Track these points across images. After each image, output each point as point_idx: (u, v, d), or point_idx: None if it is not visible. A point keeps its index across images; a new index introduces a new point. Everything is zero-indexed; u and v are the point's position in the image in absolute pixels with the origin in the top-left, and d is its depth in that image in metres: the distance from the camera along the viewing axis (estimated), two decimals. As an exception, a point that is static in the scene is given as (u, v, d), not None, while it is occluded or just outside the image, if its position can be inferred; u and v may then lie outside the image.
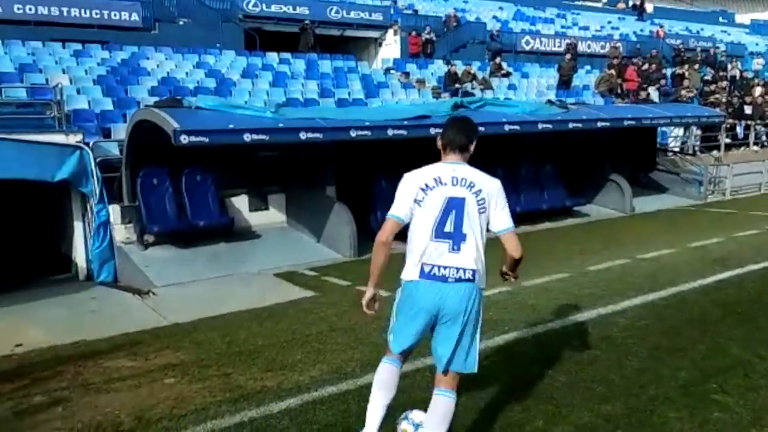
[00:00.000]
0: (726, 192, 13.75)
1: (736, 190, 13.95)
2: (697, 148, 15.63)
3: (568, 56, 19.16)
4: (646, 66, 20.04)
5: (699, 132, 15.97)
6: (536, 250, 8.56)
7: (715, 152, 15.68)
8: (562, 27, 27.81)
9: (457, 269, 3.01)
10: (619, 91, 18.39)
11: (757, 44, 34.20)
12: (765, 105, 18.56)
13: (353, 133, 7.99)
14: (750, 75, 22.87)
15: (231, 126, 7.43)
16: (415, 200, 3.10)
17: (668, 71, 20.93)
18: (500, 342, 5.02)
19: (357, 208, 8.86)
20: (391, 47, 20.21)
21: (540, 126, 9.73)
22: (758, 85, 20.14)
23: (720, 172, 14.06)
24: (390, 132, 8.28)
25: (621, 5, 36.73)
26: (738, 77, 21.66)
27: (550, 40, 23.68)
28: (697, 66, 21.44)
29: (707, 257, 7.79)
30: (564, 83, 18.50)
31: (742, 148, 17.11)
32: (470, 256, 3.02)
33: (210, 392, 4.22)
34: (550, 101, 11.96)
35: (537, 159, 11.50)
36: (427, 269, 3.07)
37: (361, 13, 20.02)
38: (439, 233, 3.03)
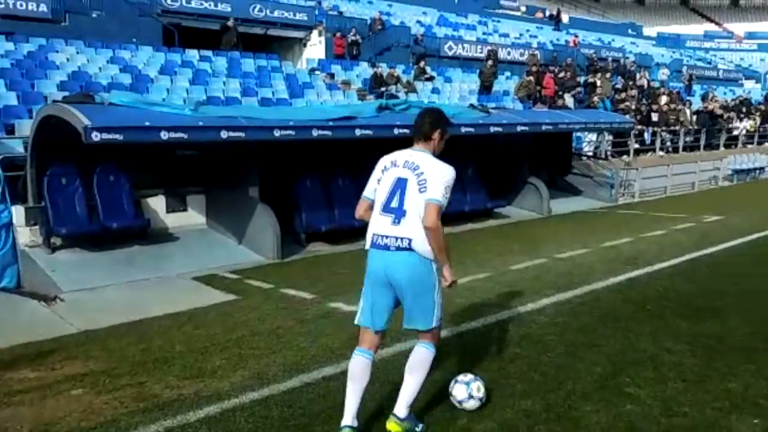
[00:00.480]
0: (635, 194, 14.50)
1: (644, 193, 14.74)
2: (609, 153, 16.38)
3: (489, 62, 19.66)
4: (562, 74, 20.85)
5: (611, 137, 16.77)
6: (459, 251, 8.70)
7: (625, 157, 16.51)
8: (484, 34, 28.57)
9: (396, 238, 3.38)
10: (537, 97, 19.04)
11: (662, 56, 36.41)
12: (670, 113, 19.73)
13: (277, 133, 7.83)
14: (656, 84, 24.26)
15: (147, 123, 7.10)
16: (377, 179, 3.55)
17: (582, 79, 21.88)
18: (424, 342, 5.03)
19: (281, 209, 8.70)
20: (315, 48, 20.09)
21: (463, 129, 9.89)
22: (664, 94, 21.40)
23: (629, 175, 14.82)
24: (315, 132, 8.18)
25: (539, 15, 38.17)
26: (646, 86, 22.93)
27: (472, 46, 24.26)
28: (608, 75, 22.53)
29: (619, 257, 8.15)
30: (485, 88, 18.97)
31: (649, 153, 18.11)
32: (408, 228, 3.35)
33: (122, 403, 3.99)
34: (472, 105, 12.19)
35: (459, 162, 11.63)
36: (375, 239, 3.47)
37: (285, 13, 19.78)
38: (386, 208, 3.43)
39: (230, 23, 17.13)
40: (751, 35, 56.11)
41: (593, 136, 16.62)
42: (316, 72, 17.21)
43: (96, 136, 6.58)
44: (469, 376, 3.84)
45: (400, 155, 3.52)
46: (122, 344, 5.12)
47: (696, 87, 28.47)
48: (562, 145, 14.21)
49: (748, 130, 22.55)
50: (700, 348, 4.82)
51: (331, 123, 8.40)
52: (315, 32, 20.23)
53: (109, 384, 4.30)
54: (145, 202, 8.86)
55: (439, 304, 3.48)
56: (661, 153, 18.42)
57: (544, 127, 11.47)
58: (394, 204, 3.40)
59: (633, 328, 5.32)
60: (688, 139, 19.63)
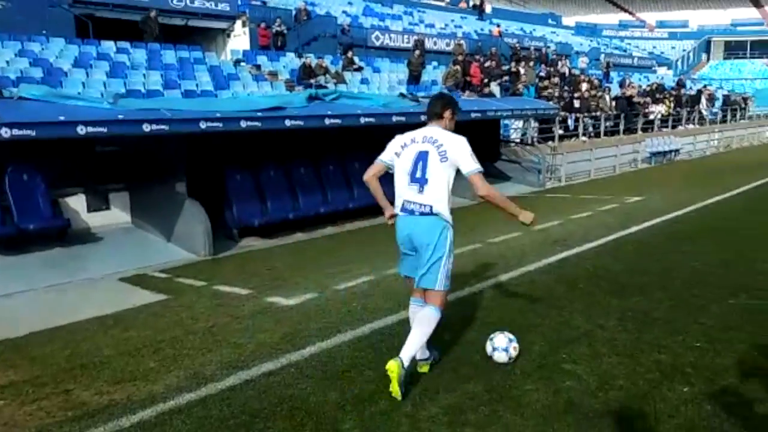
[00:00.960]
0: (561, 179, 14.96)
1: (570, 177, 15.22)
2: (535, 139, 16.82)
3: (416, 52, 19.76)
4: (487, 63, 21.22)
5: (536, 124, 17.22)
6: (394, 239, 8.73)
7: (550, 143, 17.00)
8: (410, 24, 28.70)
9: (420, 204, 3.89)
10: (464, 85, 19.30)
11: (581, 44, 37.71)
12: (591, 99, 20.45)
13: (203, 125, 7.55)
14: (577, 72, 25.09)
15: (62, 118, 6.69)
16: (396, 153, 4.03)
17: (507, 68, 22.35)
18: (366, 331, 4.99)
19: (211, 204, 8.43)
20: (240, 39, 19.57)
21: (394, 118, 9.88)
22: (584, 81, 22.15)
23: (555, 160, 15.27)
24: (243, 124, 7.95)
25: (463, 5, 38.70)
26: (567, 74, 23.67)
27: (399, 36, 24.32)
28: (532, 63, 23.11)
29: (549, 239, 8.36)
30: (414, 78, 19.06)
31: (573, 139, 18.72)
32: (430, 196, 3.86)
33: (48, 413, 3.75)
34: (402, 94, 12.21)
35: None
36: (404, 205, 3.98)
37: (206, 3, 19.11)
38: (413, 179, 3.92)
39: (152, 14, 16.44)
40: (662, 24, 59.08)
41: (520, 123, 17.02)
42: (242, 63, 16.77)
43: (6, 133, 6.16)
44: (513, 338, 4.32)
45: (418, 133, 4.01)
46: (46, 351, 4.81)
47: (613, 74, 29.67)
48: (491, 132, 14.47)
49: (662, 115, 23.71)
50: (629, 323, 5.00)
51: (259, 114, 8.19)
52: (238, 23, 19.69)
53: (33, 393, 4.03)
54: (63, 202, 8.40)
55: (447, 269, 3.95)
56: (584, 138, 19.08)
57: (473, 115, 11.60)
58: (418, 174, 3.89)
59: (567, 306, 5.46)
60: (608, 124, 20.42)
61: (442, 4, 38.11)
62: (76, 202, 8.58)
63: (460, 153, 3.86)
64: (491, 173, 14.03)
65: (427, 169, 3.86)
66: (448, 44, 25.11)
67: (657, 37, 54.68)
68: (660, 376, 4.02)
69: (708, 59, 55.41)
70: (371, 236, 9.15)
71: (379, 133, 11.38)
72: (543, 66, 24.41)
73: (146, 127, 7.11)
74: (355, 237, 9.15)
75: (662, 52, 49.10)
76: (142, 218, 8.92)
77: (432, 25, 29.31)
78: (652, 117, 23.06)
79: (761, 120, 31.58)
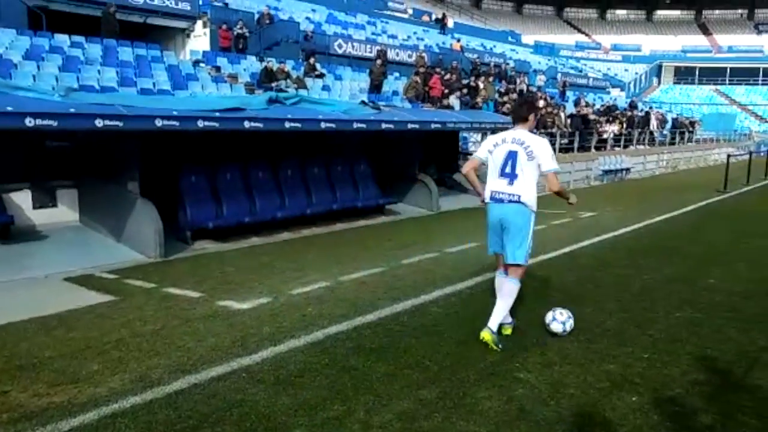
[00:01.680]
0: (517, 192, 15.16)
1: (525, 191, 15.44)
2: (492, 153, 17.02)
3: (378, 62, 19.83)
4: (448, 76, 21.45)
5: (494, 138, 17.42)
6: (353, 247, 8.69)
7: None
8: (373, 34, 28.83)
9: (509, 194, 4.69)
10: (424, 97, 19.44)
11: (539, 63, 38.58)
12: (547, 116, 20.88)
13: (159, 123, 7.34)
14: (534, 89, 25.61)
15: (9, 109, 6.40)
16: (489, 151, 4.82)
17: (466, 82, 22.64)
18: (320, 336, 4.92)
19: (164, 204, 8.21)
20: (200, 39, 19.29)
21: (355, 125, 9.85)
22: (541, 98, 22.61)
23: (512, 174, 15.46)
24: (200, 123, 7.77)
25: (425, 18, 39.16)
26: (525, 90, 24.13)
27: (362, 45, 24.37)
28: (491, 79, 23.48)
29: (505, 249, 8.44)
30: (375, 87, 19.11)
31: (529, 154, 19.02)
32: (518, 188, 4.67)
33: (-20, 416, 3.55)
34: (363, 102, 12.21)
35: (351, 158, 11.69)
36: (494, 194, 4.78)
37: (166, 1, 18.76)
38: (502, 173, 4.72)
39: (112, 9, 16.03)
40: (616, 47, 61.06)
41: (479, 137, 17.22)
42: (201, 64, 16.51)
43: (-53, 121, 5.86)
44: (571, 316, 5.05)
45: (507, 134, 4.80)
46: (-20, 352, 4.57)
47: (569, 93, 30.41)
48: (450, 144, 14.60)
49: (615, 134, 24.40)
50: (581, 333, 5.07)
51: (218, 114, 8.03)
52: (199, 23, 19.40)
53: (-36, 396, 3.81)
54: (7, 197, 8.06)
55: (529, 246, 4.81)
56: (540, 154, 19.42)
57: (433, 126, 11.68)
58: (508, 170, 4.68)
59: (521, 315, 5.50)
60: (563, 141, 20.87)
61: (405, 16, 38.48)
62: (21, 198, 8.24)
63: (543, 153, 4.67)
64: (449, 185, 14.17)
65: (516, 166, 4.67)
66: (410, 56, 25.30)
67: (611, 59, 56.42)
68: (610, 385, 4.09)
69: (659, 83, 57.47)
70: (328, 243, 9.08)
71: (339, 139, 11.49)
72: (502, 82, 24.84)
73: (99, 123, 6.87)
74: (312, 243, 9.05)
75: (616, 74, 50.67)
76: (90, 217, 8.63)
77: (395, 36, 29.51)
78: (605, 136, 23.70)
79: (707, 143, 32.87)
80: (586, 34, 67.01)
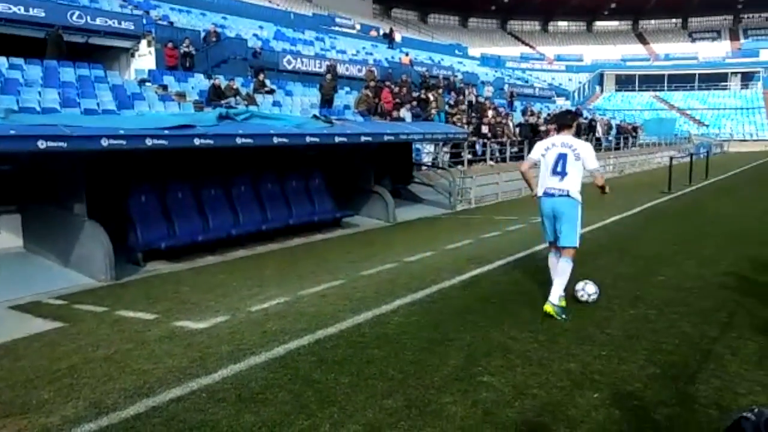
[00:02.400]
0: (471, 201, 15.37)
1: (479, 200, 15.66)
2: (446, 163, 17.23)
3: (328, 76, 19.85)
4: (398, 89, 21.63)
5: (447, 149, 17.65)
6: (311, 261, 8.61)
7: (460, 166, 17.46)
8: (322, 49, 28.88)
9: (560, 189, 5.63)
10: (376, 110, 19.53)
11: (486, 74, 39.32)
12: (497, 126, 21.27)
13: (105, 143, 7.12)
14: (483, 100, 26.05)
15: (-56, 132, 6.13)
16: (542, 154, 5.76)
17: (417, 94, 22.87)
18: (282, 352, 4.83)
19: (113, 226, 7.96)
20: (145, 58, 18.95)
21: (308, 139, 9.79)
22: (490, 108, 23.03)
23: (465, 183, 15.68)
24: (149, 142, 7.57)
25: (373, 33, 39.46)
26: (474, 102, 24.53)
27: (311, 60, 24.39)
28: (440, 91, 23.78)
29: (462, 257, 8.52)
30: (326, 102, 19.10)
31: (481, 163, 19.34)
32: (567, 184, 5.61)
33: None
34: (315, 116, 12.18)
35: (306, 172, 11.63)
36: (546, 190, 5.70)
37: (108, 21, 18.43)
38: (554, 172, 5.66)
39: (60, 31, 15.62)
40: (559, 58, 62.86)
41: (431, 148, 17.40)
42: (147, 83, 16.20)
43: None
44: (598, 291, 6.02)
45: (556, 139, 5.78)
46: None
47: (517, 103, 31.07)
48: (404, 155, 14.69)
49: (562, 141, 24.99)
50: (541, 334, 5.14)
51: (166, 132, 7.85)
52: (144, 42, 19.07)
53: None
54: (-56, 225, 7.68)
55: (578, 231, 5.73)
56: (491, 162, 19.76)
57: (386, 138, 11.72)
58: (559, 169, 5.62)
59: (481, 320, 5.54)
60: (513, 149, 21.27)
61: (353, 31, 38.74)
62: (-40, 226, 7.88)
63: (587, 155, 5.66)
64: (404, 196, 14.24)
65: (566, 166, 5.60)
66: (359, 70, 25.44)
67: (555, 69, 58.07)
68: (571, 383, 4.14)
69: (602, 91, 59.40)
70: (286, 258, 8.97)
71: (293, 154, 11.41)
72: (451, 94, 25.20)
73: (41, 144, 6.61)
74: (269, 259, 8.93)
75: (560, 84, 52.13)
76: (36, 242, 8.30)
77: (344, 52, 29.64)
78: (553, 143, 24.23)
79: (650, 148, 34.03)
80: (530, 46, 68.81)
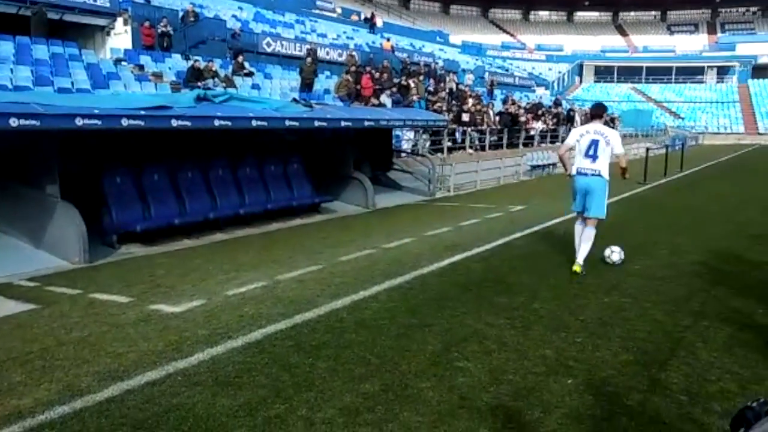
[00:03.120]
0: (450, 188, 15.41)
1: (458, 187, 15.72)
2: (426, 150, 17.23)
3: (309, 60, 19.66)
4: (379, 75, 21.52)
5: (427, 136, 17.65)
6: (289, 246, 8.57)
7: (440, 154, 17.48)
8: (302, 32, 28.56)
9: (592, 170, 6.69)
10: (356, 96, 19.42)
11: (467, 62, 39.30)
12: (477, 114, 21.30)
13: (79, 122, 6.98)
14: (464, 88, 26.05)
15: None
16: (577, 139, 6.78)
17: (397, 81, 22.78)
18: (259, 336, 4.81)
19: (87, 207, 7.83)
20: (121, 37, 18.55)
21: (287, 123, 9.71)
22: (470, 96, 23.04)
23: (445, 171, 15.71)
24: (124, 122, 7.44)
25: (354, 17, 39.13)
26: (455, 89, 24.51)
27: (291, 43, 24.12)
28: (421, 77, 23.71)
29: (441, 244, 8.55)
30: (306, 86, 18.94)
31: (461, 151, 19.38)
32: (599, 165, 6.66)
33: None
34: (295, 100, 12.07)
35: (285, 157, 11.54)
36: (580, 169, 6.77)
37: (84, -3, 17.97)
38: (587, 155, 6.71)
39: (44, 8, 15.24)
40: (540, 47, 63.06)
41: (411, 135, 17.37)
42: (123, 62, 15.88)
43: None
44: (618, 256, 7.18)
45: (589, 127, 6.84)
46: None
47: (497, 92, 31.14)
48: (384, 141, 14.65)
49: (542, 131, 25.17)
50: (517, 320, 5.19)
51: (143, 112, 7.72)
52: (120, 20, 18.66)
53: None
54: None
55: (605, 204, 6.86)
56: (471, 151, 19.81)
57: (366, 123, 11.67)
58: (591, 153, 6.68)
59: (458, 307, 5.58)
60: (493, 138, 21.35)
61: (334, 15, 38.33)
62: (-73, 205, 7.68)
63: (616, 141, 6.72)
64: (384, 183, 14.22)
65: (597, 150, 6.65)
66: (340, 54, 25.24)
67: (536, 59, 58.27)
68: (546, 369, 4.19)
69: (581, 81, 59.81)
70: (264, 243, 8.92)
71: (272, 138, 11.31)
72: (431, 81, 25.14)
73: (14, 122, 6.46)
74: (247, 243, 8.87)
75: (540, 74, 52.32)
76: (6, 223, 8.12)
77: (324, 35, 29.35)
78: (533, 132, 24.40)
79: (627, 139, 34.38)
80: (511, 35, 68.88)
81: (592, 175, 6.69)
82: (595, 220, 6.83)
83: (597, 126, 6.79)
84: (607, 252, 7.17)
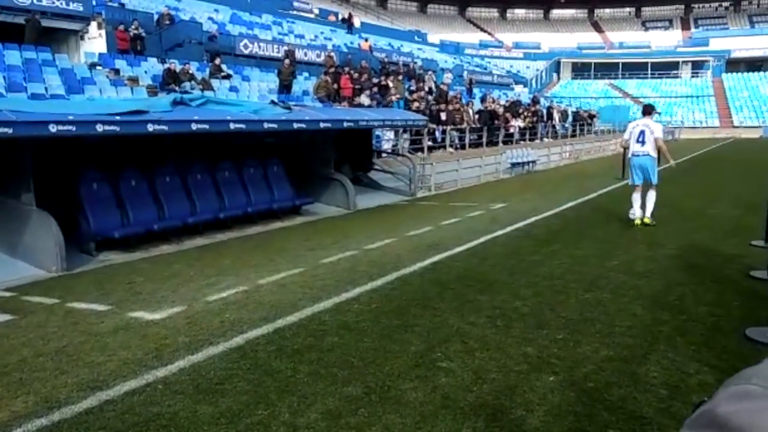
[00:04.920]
0: (431, 188, 15.43)
1: (439, 186, 15.74)
2: (406, 150, 17.24)
3: (287, 61, 19.59)
4: (357, 75, 21.50)
5: (407, 135, 17.66)
6: (270, 250, 8.53)
7: (420, 153, 17.50)
8: (279, 34, 28.45)
9: (643, 152, 9.31)
10: (335, 97, 19.39)
11: (446, 61, 39.41)
12: (455, 113, 21.37)
13: (53, 129, 6.87)
14: (443, 87, 26.11)
15: None
16: (630, 131, 9.54)
17: (377, 81, 22.77)
18: (240, 341, 4.78)
19: (63, 215, 7.71)
20: (96, 41, 18.28)
21: (266, 125, 9.65)
22: (449, 95, 23.09)
23: (425, 170, 15.72)
24: (99, 128, 7.34)
25: (331, 18, 39.05)
26: (434, 88, 24.56)
27: (269, 45, 23.99)
28: (400, 77, 23.74)
29: (422, 244, 8.56)
30: (285, 87, 18.86)
31: (441, 150, 19.43)
32: (647, 148, 9.25)
33: None
34: (273, 102, 12.01)
35: (264, 159, 11.48)
36: (634, 152, 9.43)
37: (56, 1, 17.65)
38: (637, 140, 9.33)
39: (37, 15, 15.02)
40: (517, 45, 63.45)
41: (392, 134, 17.37)
42: (98, 67, 15.68)
43: None
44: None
45: (640, 121, 9.49)
46: None
47: (476, 90, 31.27)
48: (364, 142, 14.63)
49: (521, 128, 25.33)
50: (499, 319, 5.22)
51: (118, 118, 7.63)
52: (93, 24, 18.40)
53: None
54: None
55: (657, 174, 9.38)
56: (451, 150, 19.87)
57: (345, 124, 11.64)
58: (640, 139, 9.25)
59: (440, 306, 5.59)
60: (472, 136, 21.43)
61: (312, 16, 38.24)
62: None
63: (657, 130, 9.31)
64: (364, 183, 14.20)
65: (644, 137, 9.21)
66: (318, 55, 25.17)
67: (513, 57, 58.65)
68: (528, 367, 4.22)
69: (558, 79, 60.28)
70: (244, 247, 8.86)
71: (250, 140, 11.24)
72: (411, 80, 25.18)
73: (-15, 130, 6.36)
74: (227, 248, 8.80)
75: (518, 71, 52.67)
76: (-19, 233, 7.98)
77: (302, 36, 29.25)
78: (512, 130, 24.55)
79: (605, 135, 34.74)
80: (489, 33, 69.22)
81: (643, 155, 9.26)
82: (654, 185, 9.39)
83: (646, 120, 9.43)
84: (631, 212, 9.68)
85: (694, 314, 5.24)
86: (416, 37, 46.86)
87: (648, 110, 9.66)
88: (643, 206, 9.52)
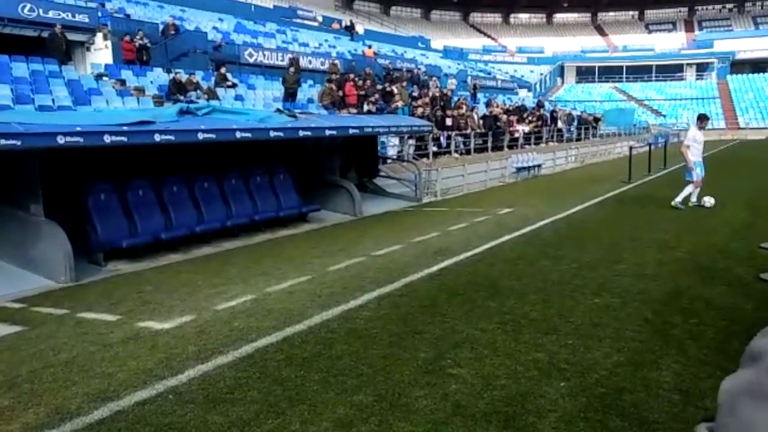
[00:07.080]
0: (437, 193, 15.43)
1: (445, 192, 15.74)
2: (411, 156, 17.26)
3: (292, 69, 19.66)
4: (362, 82, 21.55)
5: (412, 142, 17.67)
6: (277, 258, 8.53)
7: (425, 159, 17.51)
8: (284, 42, 28.57)
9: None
10: (340, 104, 19.43)
11: (450, 67, 39.49)
12: (460, 118, 21.37)
13: (61, 140, 6.92)
14: (447, 92, 26.11)
15: None
16: (695, 140, 11.70)
17: (381, 87, 22.81)
18: (250, 350, 4.78)
19: (72, 225, 7.75)
20: (102, 52, 18.41)
21: (272, 133, 9.68)
22: (454, 100, 23.10)
23: (431, 176, 15.72)
24: (107, 139, 7.39)
25: (335, 26, 39.21)
26: (438, 94, 24.56)
27: (273, 53, 24.08)
28: (404, 83, 23.77)
29: (429, 249, 8.55)
30: (290, 95, 18.92)
31: (446, 156, 19.42)
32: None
33: None
34: (279, 110, 12.05)
35: (270, 167, 11.51)
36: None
37: (62, 14, 17.78)
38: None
39: (57, 29, 15.15)
40: (521, 50, 63.46)
41: (397, 141, 17.39)
42: (104, 78, 15.78)
43: None
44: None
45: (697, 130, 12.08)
46: None
47: (480, 95, 31.28)
48: (369, 148, 14.64)
49: (525, 132, 25.30)
50: (508, 325, 5.20)
51: (125, 128, 7.67)
52: (99, 35, 18.53)
53: None
54: None
55: (691, 173, 11.51)
56: (456, 155, 19.86)
57: (351, 131, 11.67)
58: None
59: (449, 313, 5.58)
60: (477, 141, 21.42)
61: (315, 24, 38.41)
62: None
63: (685, 138, 11.94)
64: (371, 190, 14.21)
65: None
66: (322, 63, 25.24)
67: (517, 61, 58.61)
68: (539, 373, 4.19)
69: (562, 82, 60.24)
70: (252, 255, 8.87)
71: (257, 149, 11.28)
72: (415, 86, 25.20)
73: (-7, 143, 6.40)
74: (235, 256, 8.82)
75: (522, 76, 52.64)
76: (-10, 244, 8.02)
77: (306, 44, 29.38)
78: (516, 135, 24.52)
79: (610, 138, 34.68)
80: (492, 38, 69.29)
81: (702, 160, 11.74)
82: (692, 183, 11.55)
83: (694, 129, 11.80)
84: (704, 200, 11.41)
85: (706, 318, 5.21)
86: (420, 43, 46.97)
87: (704, 120, 11.69)
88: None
